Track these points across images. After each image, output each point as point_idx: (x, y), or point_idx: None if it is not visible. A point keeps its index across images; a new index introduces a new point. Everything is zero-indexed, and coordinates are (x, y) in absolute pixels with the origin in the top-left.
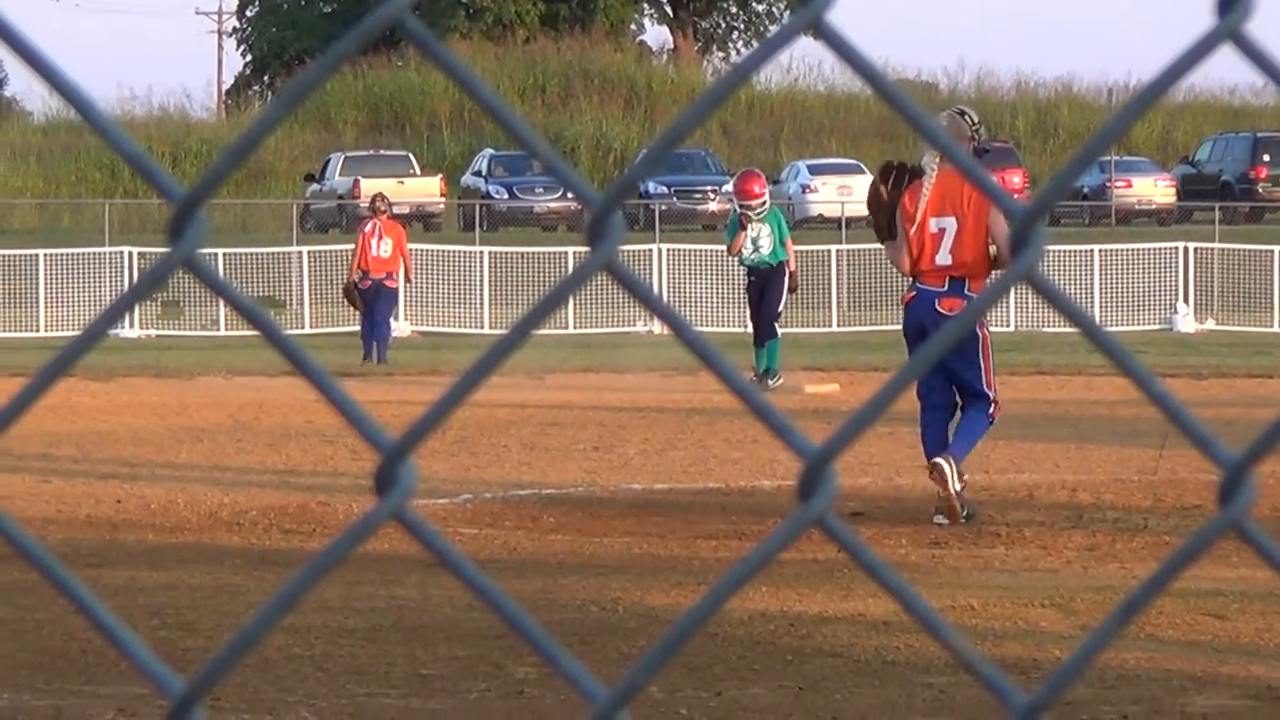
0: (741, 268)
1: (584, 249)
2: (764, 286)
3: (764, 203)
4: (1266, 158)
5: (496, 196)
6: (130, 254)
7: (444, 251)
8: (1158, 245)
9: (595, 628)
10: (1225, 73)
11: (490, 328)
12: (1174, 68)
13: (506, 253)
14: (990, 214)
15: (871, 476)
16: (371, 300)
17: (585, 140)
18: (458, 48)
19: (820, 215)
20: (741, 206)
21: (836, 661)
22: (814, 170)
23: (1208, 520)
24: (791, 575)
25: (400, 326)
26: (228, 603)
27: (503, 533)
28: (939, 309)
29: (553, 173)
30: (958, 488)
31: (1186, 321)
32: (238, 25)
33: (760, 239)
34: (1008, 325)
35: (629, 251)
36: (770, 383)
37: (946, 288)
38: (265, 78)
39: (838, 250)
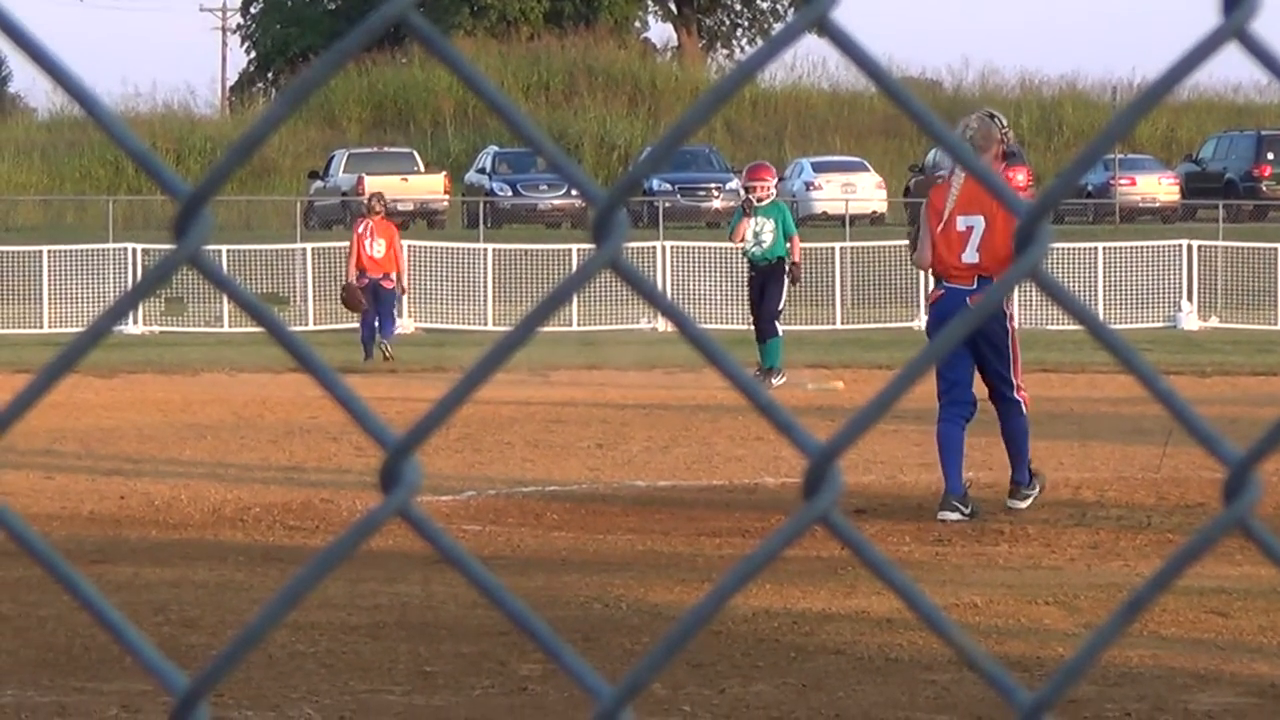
0: (745, 261)
1: (588, 246)
2: (764, 283)
3: (768, 190)
4: (1270, 156)
5: (500, 193)
6: (134, 250)
7: (448, 249)
8: (1162, 243)
9: (598, 625)
10: (1230, 70)
11: (494, 325)
12: (1179, 66)
13: (510, 250)
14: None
15: (875, 474)
16: (371, 299)
17: (589, 137)
18: (462, 45)
19: (824, 213)
20: (745, 189)
21: (840, 659)
22: (818, 168)
23: (1212, 518)
24: (795, 572)
25: (404, 323)
26: (231, 599)
27: (506, 529)
28: (968, 301)
29: (557, 170)
30: (967, 512)
31: (1190, 319)
32: (242, 22)
33: (763, 233)
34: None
35: (633, 249)
36: (773, 380)
37: (976, 286)
38: (269, 74)
39: (841, 247)
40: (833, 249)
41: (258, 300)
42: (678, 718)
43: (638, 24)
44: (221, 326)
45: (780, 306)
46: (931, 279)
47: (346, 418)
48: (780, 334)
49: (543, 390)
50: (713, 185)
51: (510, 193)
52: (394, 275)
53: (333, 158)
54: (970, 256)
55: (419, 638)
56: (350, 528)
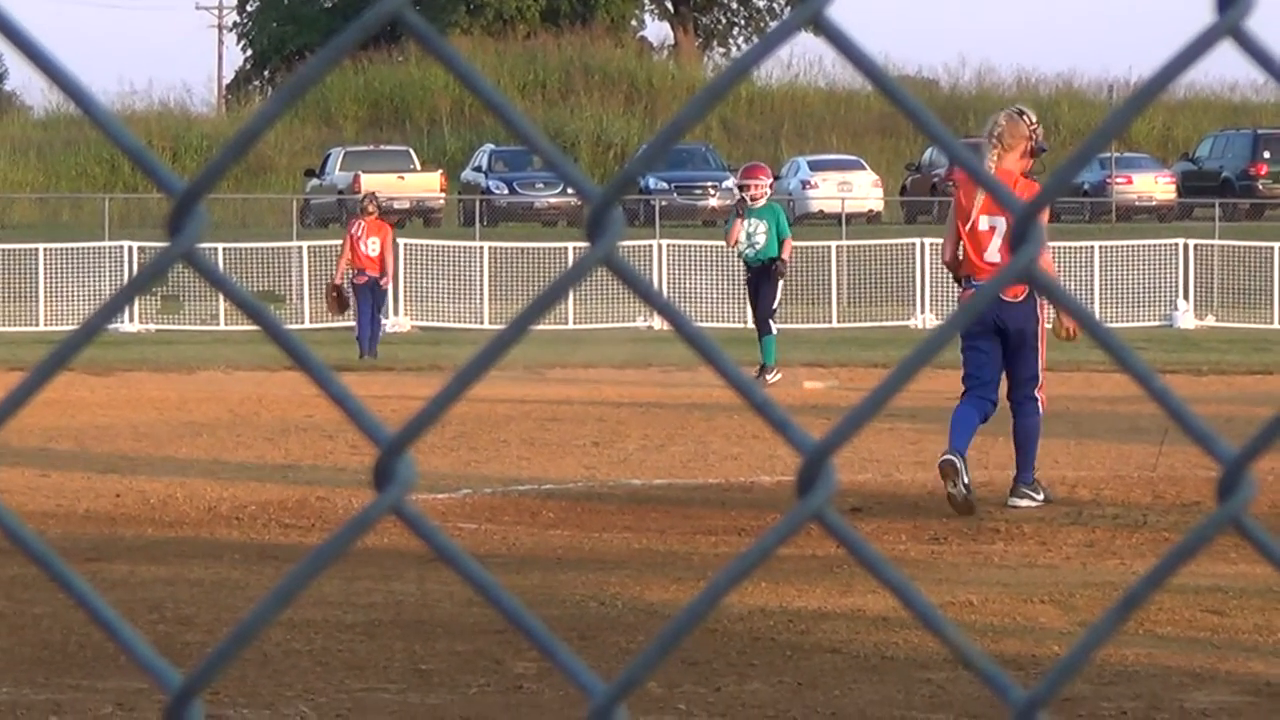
0: (740, 262)
1: (584, 244)
2: (759, 283)
3: (762, 190)
4: (1267, 154)
5: (497, 192)
6: (130, 248)
7: (444, 247)
8: (1158, 242)
9: (594, 623)
10: (1226, 69)
11: (490, 323)
12: (1173, 64)
13: (506, 248)
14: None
15: (871, 472)
16: (364, 297)
17: (586, 136)
18: (458, 43)
19: (820, 211)
20: (738, 188)
21: (835, 657)
22: (814, 166)
23: (1207, 516)
24: (791, 571)
25: (400, 321)
26: (227, 597)
27: (502, 528)
28: (1004, 297)
29: (552, 167)
30: (966, 481)
31: (1186, 318)
32: (238, 20)
33: (756, 234)
34: None
35: (629, 247)
36: (768, 378)
37: None
38: (266, 73)
39: (837, 246)
40: (829, 248)
41: (252, 297)
42: (673, 716)
43: (634, 22)
44: (217, 324)
45: (775, 306)
46: (941, 278)
47: (342, 416)
48: (775, 332)
49: (538, 388)
50: (709, 184)
51: (506, 191)
52: (388, 273)
53: (329, 156)
54: (992, 255)
55: (414, 636)
56: (344, 525)
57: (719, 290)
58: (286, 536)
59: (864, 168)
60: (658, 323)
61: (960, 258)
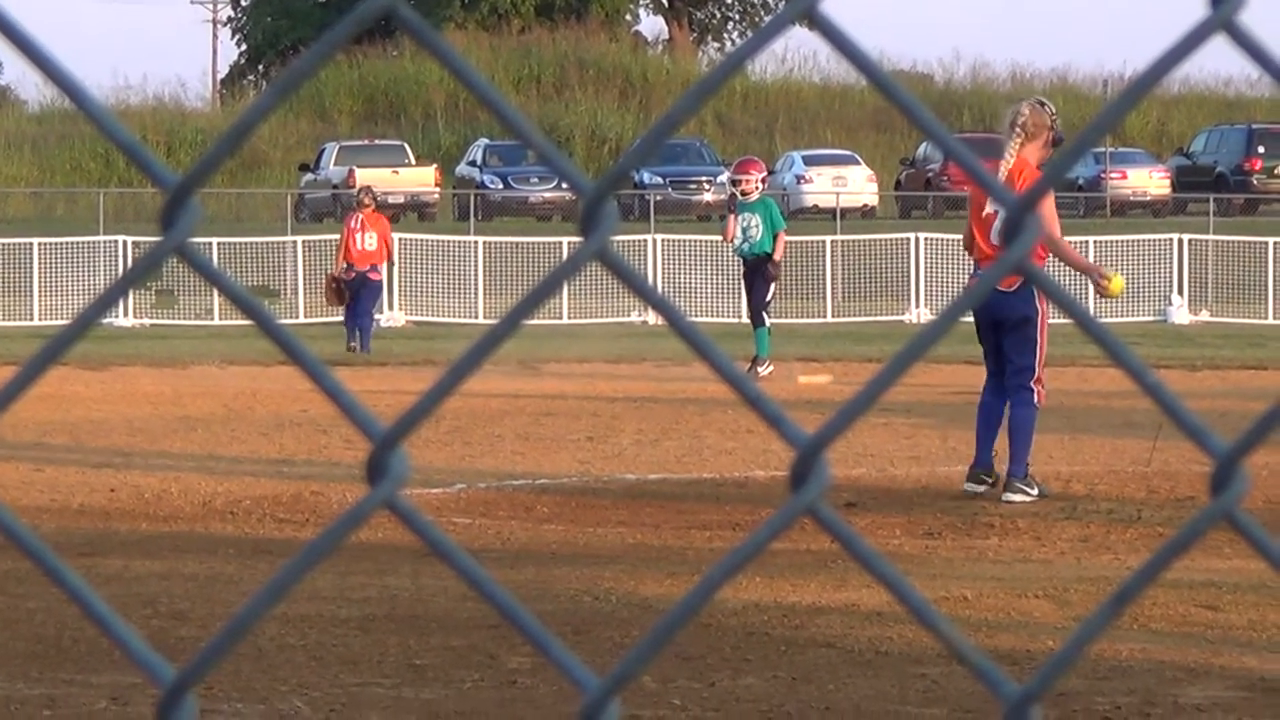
0: (736, 257)
1: (579, 239)
2: (753, 277)
3: (753, 184)
4: (1261, 149)
5: (491, 186)
6: (125, 243)
7: (438, 241)
8: (1152, 237)
9: (588, 618)
10: (1220, 64)
11: (485, 318)
12: (1166, 58)
13: (501, 243)
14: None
15: (865, 467)
16: (356, 291)
17: (580, 130)
18: (453, 37)
19: (815, 206)
20: (731, 183)
21: (830, 652)
22: (809, 161)
23: (1200, 511)
24: (785, 566)
25: (394, 316)
26: (221, 592)
27: (496, 522)
28: (997, 287)
29: (545, 161)
30: (1029, 490)
31: (1181, 313)
32: (233, 14)
33: (750, 228)
34: None
35: (624, 242)
36: (760, 370)
37: None
38: (260, 67)
39: (832, 241)
40: (823, 242)
41: (245, 291)
42: (668, 711)
43: (629, 17)
44: (212, 319)
45: (769, 299)
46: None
47: (336, 410)
48: (768, 325)
49: (533, 383)
50: (704, 178)
51: (501, 185)
52: (380, 267)
53: (323, 150)
54: (995, 239)
55: (408, 631)
56: (337, 520)
57: (714, 285)
58: (281, 531)
59: (859, 162)
60: (652, 317)
61: (973, 241)
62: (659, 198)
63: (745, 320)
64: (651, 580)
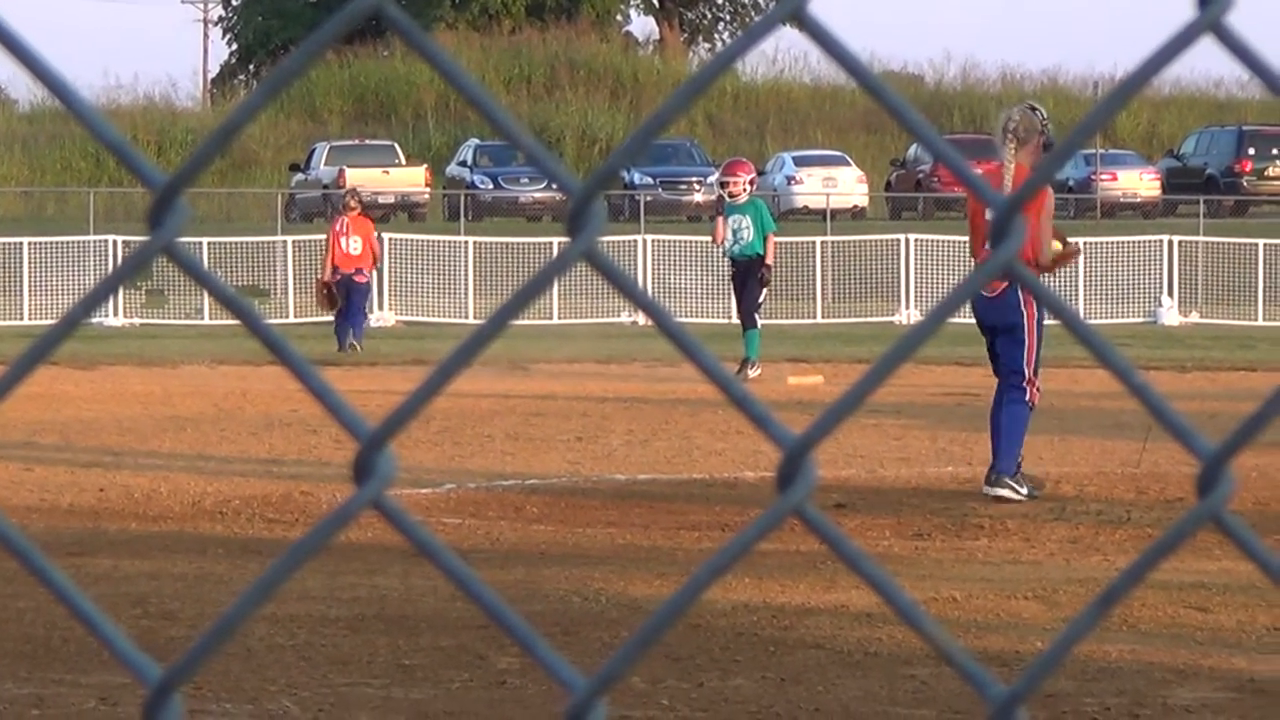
0: (726, 259)
1: (568, 239)
2: (744, 278)
3: (741, 186)
4: (1252, 151)
5: (481, 187)
6: (115, 242)
7: (428, 241)
8: (1142, 238)
9: (578, 618)
10: (1211, 66)
11: (475, 318)
12: (1154, 60)
13: (491, 243)
14: (1034, 208)
15: (855, 468)
16: (344, 294)
17: (571, 131)
18: (443, 38)
19: (805, 207)
20: (719, 185)
21: (819, 653)
22: (799, 162)
23: (1187, 512)
24: (774, 566)
25: (384, 316)
26: (211, 592)
27: (485, 523)
28: (984, 294)
29: (533, 161)
30: (1018, 488)
31: (1171, 315)
32: (224, 14)
33: (741, 230)
34: None
35: (614, 243)
36: (749, 372)
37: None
38: (251, 67)
39: (822, 242)
40: (814, 243)
41: (232, 291)
42: (656, 711)
43: (619, 17)
44: (202, 319)
45: (760, 300)
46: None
47: (325, 410)
48: (759, 327)
49: (522, 383)
50: (694, 179)
51: (491, 186)
52: (366, 270)
53: (314, 150)
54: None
55: (398, 631)
56: (324, 520)
57: (703, 286)
58: (270, 531)
59: (849, 163)
60: (642, 318)
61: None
62: (649, 198)
63: (735, 321)
64: (641, 581)
